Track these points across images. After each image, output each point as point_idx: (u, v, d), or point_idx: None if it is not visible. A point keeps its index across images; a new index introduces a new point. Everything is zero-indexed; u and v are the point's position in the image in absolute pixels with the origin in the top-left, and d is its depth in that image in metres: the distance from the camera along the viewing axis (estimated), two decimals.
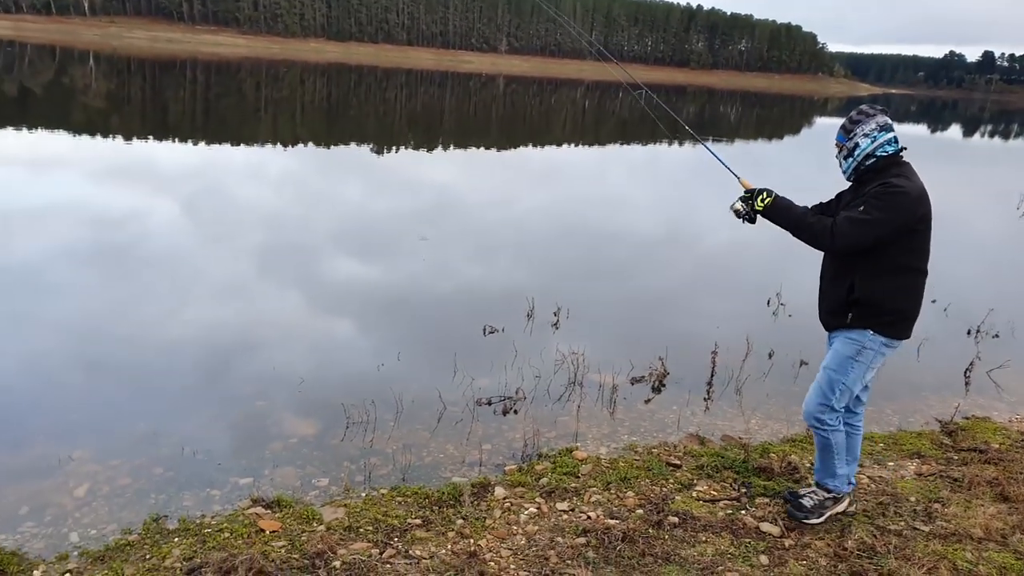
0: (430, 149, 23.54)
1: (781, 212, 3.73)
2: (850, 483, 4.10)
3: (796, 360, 6.74)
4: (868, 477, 4.63)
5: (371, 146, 21.58)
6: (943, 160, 33.15)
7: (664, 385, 6.16)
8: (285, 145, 21.10)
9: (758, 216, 3.82)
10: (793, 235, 3.72)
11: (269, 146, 20.82)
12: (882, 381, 6.52)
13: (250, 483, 4.50)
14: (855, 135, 3.60)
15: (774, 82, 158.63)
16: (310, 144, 22.18)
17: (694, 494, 4.35)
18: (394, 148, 22.65)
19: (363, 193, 14.30)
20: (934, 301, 8.92)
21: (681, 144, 30.69)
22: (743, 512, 4.14)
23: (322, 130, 25.92)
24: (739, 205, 3.86)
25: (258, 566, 3.49)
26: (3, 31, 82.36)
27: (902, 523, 4.06)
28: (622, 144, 29.84)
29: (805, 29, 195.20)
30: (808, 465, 4.70)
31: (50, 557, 3.73)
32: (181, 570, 3.51)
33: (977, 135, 54.06)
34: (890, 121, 3.60)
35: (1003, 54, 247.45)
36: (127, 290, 7.69)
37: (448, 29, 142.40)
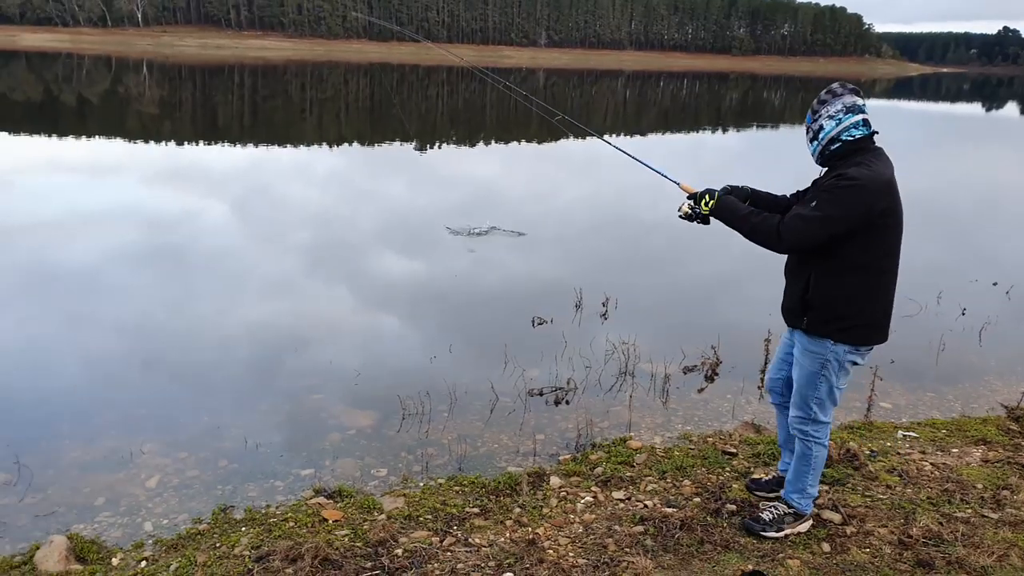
0: (472, 144, 23.64)
1: (726, 213, 3.48)
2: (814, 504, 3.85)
3: None
4: (932, 464, 4.53)
5: (414, 144, 21.74)
6: (1002, 139, 32.09)
7: (717, 374, 6.12)
8: (331, 144, 21.46)
9: (709, 218, 3.60)
10: (744, 237, 3.44)
11: (315, 146, 21.15)
12: (943, 365, 6.43)
13: (311, 474, 4.62)
14: (820, 117, 3.27)
15: (819, 66, 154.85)
16: (355, 143, 22.52)
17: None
18: (436, 144, 22.82)
19: (407, 189, 14.43)
20: (995, 284, 8.70)
21: (725, 131, 30.32)
22: None
23: (366, 129, 26.22)
24: (687, 209, 3.68)
25: (323, 554, 3.58)
26: (62, 44, 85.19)
27: (969, 510, 3.97)
28: (663, 133, 29.52)
29: (850, 10, 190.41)
30: (867, 452, 4.63)
31: (127, 545, 3.89)
32: (250, 558, 3.62)
33: None
34: (860, 101, 3.26)
35: None
36: (184, 289, 7.92)
37: (488, 25, 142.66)
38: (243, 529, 3.94)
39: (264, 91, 42.92)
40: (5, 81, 39.24)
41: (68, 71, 49.57)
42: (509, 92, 5.57)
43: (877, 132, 3.28)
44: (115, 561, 3.74)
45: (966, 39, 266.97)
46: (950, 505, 4.02)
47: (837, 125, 3.23)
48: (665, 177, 3.99)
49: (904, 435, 4.99)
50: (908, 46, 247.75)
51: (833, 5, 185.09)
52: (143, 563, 3.70)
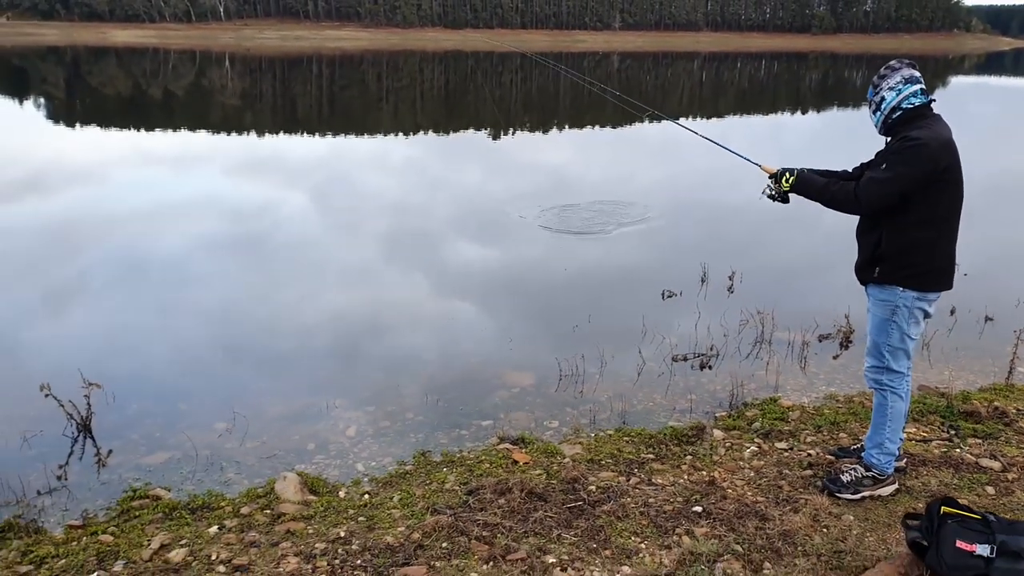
0: (554, 130, 23.94)
1: (806, 187, 3.83)
2: (897, 463, 4.02)
3: (980, 316, 6.79)
4: None
5: (490, 131, 22.03)
6: None
7: (851, 342, 6.39)
8: (407, 134, 21.78)
9: (788, 195, 3.93)
10: (825, 206, 3.79)
11: (392, 136, 21.42)
12: None
13: (491, 425, 5.14)
14: (881, 89, 3.60)
15: (904, 42, 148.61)
16: (440, 132, 23.00)
17: (904, 435, 4.61)
18: (517, 131, 23.05)
19: (510, 174, 14.90)
20: None
21: (804, 113, 29.77)
22: (958, 451, 4.40)
23: (442, 117, 26.62)
24: (768, 190, 4.01)
25: (529, 487, 4.07)
26: (149, 39, 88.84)
27: None
28: (741, 115, 29.15)
29: None
30: (1015, 410, 4.87)
31: (347, 481, 4.46)
32: (462, 491, 4.14)
33: None
34: (917, 74, 3.56)
35: None
36: (326, 274, 8.60)
37: (561, 10, 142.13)
38: (444, 470, 4.46)
39: (341, 81, 44.10)
40: (97, 77, 41.33)
41: (155, 66, 51.65)
42: (590, 86, 5.96)
43: (935, 100, 3.60)
44: (341, 494, 4.31)
45: None
46: None
47: (898, 95, 3.56)
48: (746, 160, 4.34)
49: None
50: (999, 19, 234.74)
51: None
52: (366, 496, 4.25)
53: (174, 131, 21.37)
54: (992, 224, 9.54)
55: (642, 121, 22.90)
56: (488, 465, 4.46)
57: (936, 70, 67.37)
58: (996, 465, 4.16)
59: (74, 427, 4.97)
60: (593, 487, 4.12)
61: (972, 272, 7.95)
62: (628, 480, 4.21)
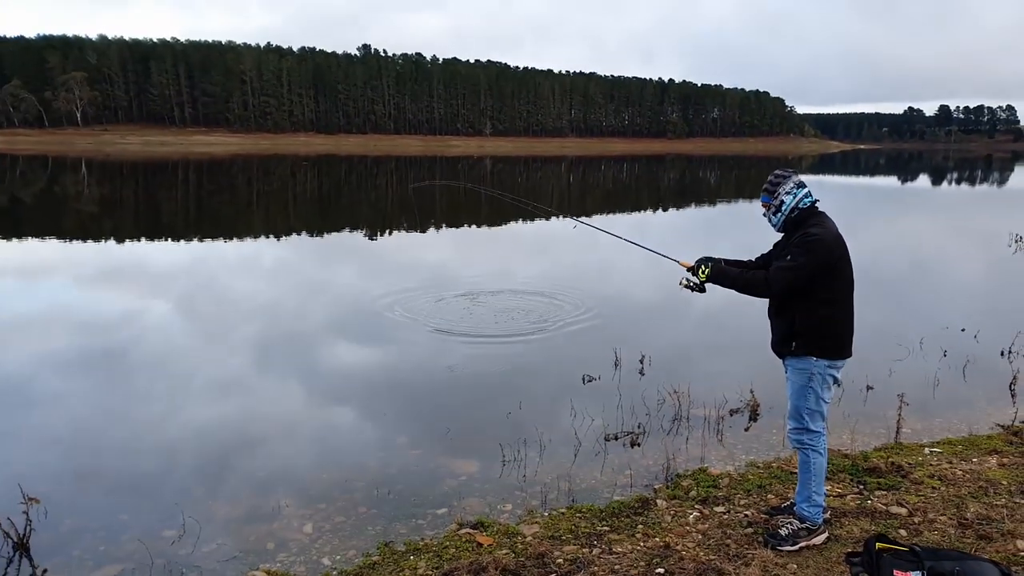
0: (435, 229, 24.63)
1: (722, 278, 4.45)
2: (825, 514, 4.53)
3: (863, 386, 7.65)
4: (961, 471, 5.50)
5: (366, 231, 22.32)
6: (925, 209, 34.81)
7: (759, 414, 7.03)
8: (282, 236, 21.21)
9: (705, 285, 4.57)
10: (739, 292, 4.41)
11: (263, 239, 20.76)
12: (940, 397, 7.48)
13: (446, 512, 5.30)
14: (779, 194, 4.28)
15: (749, 145, 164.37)
16: (338, 232, 23.05)
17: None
18: (396, 231, 22.90)
19: (390, 272, 15.22)
20: (963, 329, 9.93)
21: (665, 210, 32.12)
22: (869, 502, 5.00)
23: (316, 220, 25.77)
24: (685, 281, 4.64)
25: (502, 565, 4.29)
26: None
27: (1003, 499, 4.93)
28: (607, 214, 30.87)
29: (773, 94, 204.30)
30: (908, 464, 5.58)
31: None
32: (437, 575, 4.30)
33: (945, 183, 56.26)
34: (802, 179, 4.31)
35: (958, 107, 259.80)
36: (262, 375, 8.53)
37: (434, 116, 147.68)
38: (412, 558, 4.59)
39: (210, 186, 42.89)
40: None
41: (0, 172, 48.46)
42: (517, 203, 6.62)
43: (818, 200, 4.38)
44: None
45: (878, 118, 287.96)
46: (987, 496, 4.98)
47: (794, 198, 4.28)
48: (663, 255, 5.03)
49: (931, 451, 5.97)
50: (828, 125, 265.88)
51: (757, 90, 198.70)
52: None
53: (18, 239, 19.79)
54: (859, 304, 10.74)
55: (515, 221, 23.91)
56: (454, 550, 4.63)
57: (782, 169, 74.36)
58: (903, 511, 4.78)
59: (10, 547, 4.74)
60: (560, 560, 4.39)
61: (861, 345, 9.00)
62: (591, 551, 4.51)
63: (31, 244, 19.15)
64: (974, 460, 5.76)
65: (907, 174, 69.94)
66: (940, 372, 8.17)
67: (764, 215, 4.47)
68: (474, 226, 25.19)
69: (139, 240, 20.25)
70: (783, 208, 4.31)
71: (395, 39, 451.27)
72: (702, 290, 4.60)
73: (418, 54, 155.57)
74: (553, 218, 23.26)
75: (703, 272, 4.53)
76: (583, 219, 6.39)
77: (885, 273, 14.55)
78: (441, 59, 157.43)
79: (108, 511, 5.35)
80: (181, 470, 6.04)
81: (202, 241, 20.39)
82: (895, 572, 3.47)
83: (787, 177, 4.33)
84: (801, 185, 4.31)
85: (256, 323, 10.87)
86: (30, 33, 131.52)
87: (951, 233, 24.07)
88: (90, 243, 19.50)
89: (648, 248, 5.25)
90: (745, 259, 4.78)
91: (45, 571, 4.65)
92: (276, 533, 5.09)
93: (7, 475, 5.58)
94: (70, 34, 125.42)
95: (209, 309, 11.82)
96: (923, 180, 60.67)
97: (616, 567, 4.28)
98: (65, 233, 21.01)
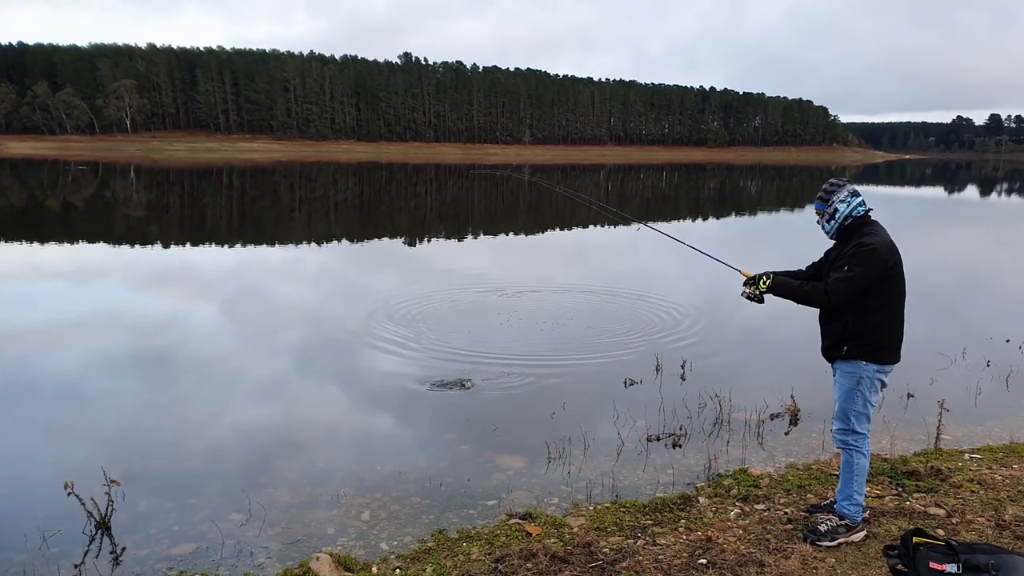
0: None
1: (782, 289, 4.59)
2: (864, 513, 4.66)
3: (904, 393, 7.73)
4: (1001, 476, 5.60)
5: (405, 238, 22.74)
6: (972, 221, 34.18)
7: (799, 419, 7.17)
8: (320, 242, 21.67)
9: (764, 296, 4.73)
10: (798, 303, 4.57)
11: (304, 244, 21.30)
12: (983, 406, 7.54)
13: (496, 504, 5.56)
14: (833, 202, 4.44)
15: (791, 154, 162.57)
16: (377, 239, 23.60)
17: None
18: (435, 238, 23.69)
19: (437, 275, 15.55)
20: (1008, 341, 9.92)
21: (705, 219, 32.05)
22: (908, 503, 5.13)
23: (357, 226, 26.31)
24: (747, 291, 4.79)
25: (552, 551, 4.54)
26: (49, 151, 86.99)
27: None
28: (646, 223, 31.05)
29: (816, 103, 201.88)
30: (947, 468, 5.69)
31: (376, 559, 4.79)
32: (489, 560, 4.55)
33: (994, 194, 55.04)
34: (857, 188, 4.45)
35: (1009, 116, 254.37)
36: (319, 369, 8.90)
37: (473, 124, 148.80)
38: (465, 544, 4.85)
39: (253, 192, 43.69)
40: None
41: (54, 176, 49.66)
42: (589, 204, 6.82)
43: (872, 209, 4.53)
44: (374, 570, 4.63)
45: (924, 128, 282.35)
46: None
47: (848, 206, 4.42)
48: (727, 265, 5.20)
49: (971, 456, 6.06)
50: (872, 135, 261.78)
51: (800, 98, 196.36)
52: (397, 570, 4.60)
53: (71, 243, 20.65)
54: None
55: (553, 229, 24.15)
56: (504, 538, 4.88)
57: (823, 179, 73.50)
58: (941, 512, 4.91)
59: (92, 525, 5.11)
60: (607, 549, 4.61)
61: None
62: (636, 542, 4.72)
63: (82, 248, 20.00)
64: (1014, 466, 5.84)
65: (954, 184, 68.61)
66: (983, 382, 8.21)
67: (818, 222, 4.64)
68: (511, 234, 25.47)
69: (184, 245, 20.85)
70: (837, 216, 4.47)
71: (436, 47, 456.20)
72: (761, 300, 4.77)
73: (458, 62, 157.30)
74: (608, 223, 23.42)
75: (764, 283, 4.70)
76: (649, 223, 6.65)
77: (929, 284, 14.49)
78: (481, 67, 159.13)
79: (179, 495, 5.71)
80: (243, 461, 6.39)
81: (246, 246, 20.99)
82: (931, 564, 3.62)
83: (841, 186, 4.49)
84: (855, 194, 4.46)
85: (314, 325, 11.28)
86: (82, 42, 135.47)
87: (997, 245, 23.70)
88: (137, 247, 20.05)
89: (711, 256, 5.47)
90: (794, 268, 4.96)
91: (124, 548, 5.01)
92: (335, 519, 5.39)
93: (88, 461, 5.97)
94: (120, 43, 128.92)
95: (256, 313, 12.27)
96: (971, 191, 59.45)
97: (660, 557, 4.50)
98: (113, 238, 21.88)
